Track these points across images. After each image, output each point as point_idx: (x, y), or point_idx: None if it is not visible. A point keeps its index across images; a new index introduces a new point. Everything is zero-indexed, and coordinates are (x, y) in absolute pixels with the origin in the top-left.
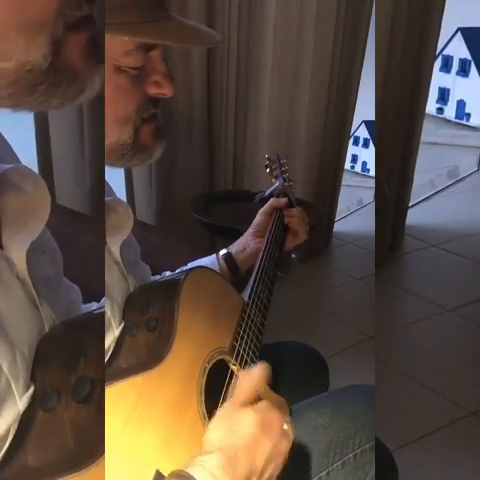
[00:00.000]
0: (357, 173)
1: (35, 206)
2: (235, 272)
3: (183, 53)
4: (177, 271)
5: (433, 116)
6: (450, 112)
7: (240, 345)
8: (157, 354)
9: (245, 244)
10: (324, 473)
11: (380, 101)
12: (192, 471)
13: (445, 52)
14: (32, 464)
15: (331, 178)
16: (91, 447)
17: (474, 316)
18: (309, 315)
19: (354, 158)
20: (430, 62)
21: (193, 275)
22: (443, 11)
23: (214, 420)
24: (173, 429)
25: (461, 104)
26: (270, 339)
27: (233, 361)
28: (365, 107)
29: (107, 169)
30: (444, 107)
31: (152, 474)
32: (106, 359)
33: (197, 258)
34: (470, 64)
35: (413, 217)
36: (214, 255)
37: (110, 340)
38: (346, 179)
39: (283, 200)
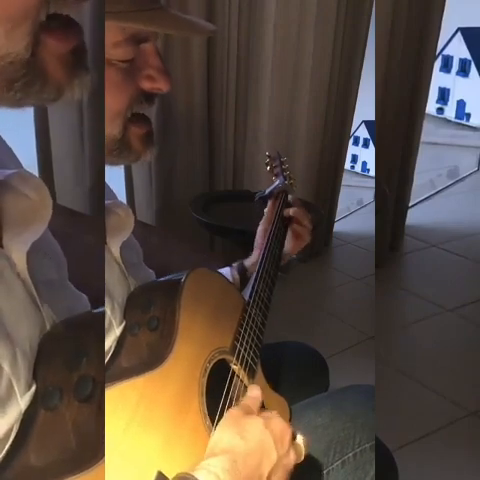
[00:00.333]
0: (357, 173)
1: (36, 210)
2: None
3: (183, 53)
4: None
5: (433, 116)
6: (450, 112)
7: (241, 345)
8: (158, 354)
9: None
10: (324, 472)
11: (380, 101)
12: (197, 474)
13: (445, 52)
14: (34, 464)
15: (331, 178)
16: (94, 447)
17: (474, 316)
18: (309, 315)
19: (354, 158)
20: (430, 62)
21: (194, 275)
22: (443, 11)
23: (221, 424)
24: (175, 430)
25: (461, 104)
26: (270, 339)
27: (234, 361)
28: (365, 107)
29: (107, 170)
30: (444, 107)
31: (154, 475)
32: (108, 358)
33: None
34: (470, 64)
35: (413, 217)
36: (228, 267)
37: (111, 339)
38: (346, 179)
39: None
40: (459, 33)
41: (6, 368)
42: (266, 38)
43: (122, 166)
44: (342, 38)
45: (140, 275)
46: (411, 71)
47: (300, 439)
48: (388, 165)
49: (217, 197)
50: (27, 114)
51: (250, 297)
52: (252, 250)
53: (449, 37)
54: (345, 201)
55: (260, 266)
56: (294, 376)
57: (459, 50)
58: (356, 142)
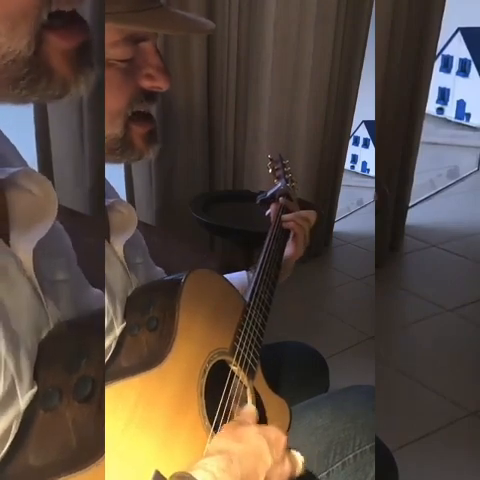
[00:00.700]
0: (357, 173)
1: (42, 207)
2: None
3: (183, 52)
4: None
5: (433, 116)
6: (450, 112)
7: (241, 346)
8: (157, 354)
9: None
10: (324, 474)
11: (380, 101)
12: (194, 473)
13: (445, 52)
14: (33, 463)
15: (331, 178)
16: (92, 447)
17: (474, 316)
18: (309, 315)
19: (354, 158)
20: (430, 62)
21: (194, 275)
22: (443, 11)
23: (217, 434)
24: (173, 430)
25: (461, 104)
26: (270, 339)
27: (234, 362)
28: (365, 107)
29: (107, 169)
30: (444, 107)
31: (151, 474)
32: (107, 358)
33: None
34: (470, 64)
35: (413, 217)
36: (244, 271)
37: (111, 339)
38: (346, 179)
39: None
40: (459, 33)
41: (11, 367)
42: (266, 38)
43: (122, 166)
44: (342, 38)
45: (145, 274)
46: (411, 71)
47: (296, 452)
48: (388, 165)
49: (217, 197)
50: (27, 114)
51: (250, 299)
52: (252, 250)
53: (449, 37)
54: (345, 201)
55: (260, 268)
56: (294, 376)
57: (459, 50)
58: (356, 142)
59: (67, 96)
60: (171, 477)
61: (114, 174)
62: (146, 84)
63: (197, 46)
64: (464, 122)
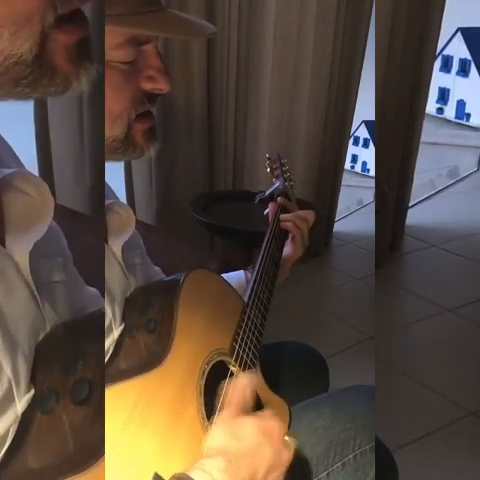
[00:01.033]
0: (357, 173)
1: (38, 209)
2: None
3: (183, 53)
4: None
5: (433, 116)
6: (450, 112)
7: (240, 346)
8: (156, 355)
9: None
10: (324, 474)
11: (380, 101)
12: (192, 474)
13: (445, 52)
14: (31, 466)
15: (331, 178)
16: (90, 449)
17: (474, 316)
18: (309, 315)
19: (354, 158)
20: (430, 62)
21: (192, 276)
22: (443, 11)
23: (215, 426)
24: (172, 431)
25: (461, 104)
26: (270, 339)
27: (233, 362)
28: (365, 107)
29: (107, 169)
30: (444, 107)
31: (151, 476)
32: (106, 360)
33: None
34: (470, 64)
35: (413, 217)
36: (242, 271)
37: (110, 341)
38: (346, 179)
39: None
40: (459, 33)
41: (8, 371)
42: (266, 38)
43: (122, 167)
44: (342, 38)
45: (144, 275)
46: (411, 71)
47: (289, 438)
48: (388, 165)
49: (217, 197)
50: (27, 114)
51: (249, 299)
52: (252, 250)
53: (449, 37)
54: (345, 201)
55: (259, 268)
56: (294, 376)
57: (459, 50)
58: (356, 142)
59: (69, 91)
60: (170, 479)
61: (114, 174)
62: (147, 86)
63: (197, 46)
64: (464, 122)
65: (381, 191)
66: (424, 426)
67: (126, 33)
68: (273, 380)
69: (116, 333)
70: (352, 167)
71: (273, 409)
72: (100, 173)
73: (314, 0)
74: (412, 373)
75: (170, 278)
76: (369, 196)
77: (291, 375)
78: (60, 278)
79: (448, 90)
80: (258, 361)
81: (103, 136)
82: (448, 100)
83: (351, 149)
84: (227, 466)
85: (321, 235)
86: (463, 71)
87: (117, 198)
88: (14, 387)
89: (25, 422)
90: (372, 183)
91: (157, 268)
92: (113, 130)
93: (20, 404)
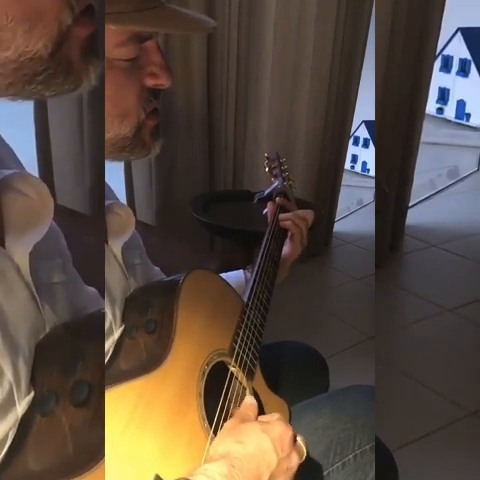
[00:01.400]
0: (357, 173)
1: (37, 211)
2: None
3: (183, 52)
4: None
5: (433, 116)
6: (450, 112)
7: (240, 347)
8: (156, 356)
9: None
10: (324, 474)
11: (380, 101)
12: (195, 479)
13: (445, 52)
14: (31, 469)
15: (331, 178)
16: (90, 451)
17: (474, 316)
18: (309, 315)
19: (354, 158)
20: (430, 62)
21: (192, 276)
22: (443, 11)
23: (219, 434)
24: (173, 431)
25: (461, 104)
26: (270, 339)
27: (233, 363)
28: (365, 107)
29: (107, 169)
30: (444, 107)
31: (152, 478)
32: (106, 361)
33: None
34: (470, 64)
35: (413, 217)
36: (241, 270)
37: (110, 342)
38: (346, 179)
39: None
40: (459, 33)
41: (8, 373)
42: (266, 37)
43: (122, 167)
44: (342, 38)
45: (143, 275)
46: (411, 71)
47: (300, 439)
48: (388, 165)
49: (217, 197)
50: (27, 114)
51: (249, 299)
52: (252, 250)
53: (449, 37)
54: (345, 201)
55: (258, 268)
56: (294, 376)
57: (459, 50)
58: (356, 142)
59: (80, 88)
60: None
61: (114, 174)
62: (150, 82)
63: (197, 46)
64: (464, 122)
65: (381, 191)
66: (424, 426)
67: (128, 30)
68: (273, 380)
69: (116, 334)
70: (352, 167)
71: (274, 411)
72: (100, 173)
73: (314, 0)
74: (412, 373)
75: (170, 278)
76: (369, 196)
77: (291, 375)
78: (60, 279)
79: (448, 90)
80: (258, 361)
81: (103, 136)
82: (448, 100)
83: (351, 149)
84: (230, 471)
85: (321, 235)
86: (463, 71)
87: (117, 199)
88: (14, 390)
89: (25, 424)
90: (372, 183)
91: (157, 268)
92: (122, 129)
93: (20, 407)
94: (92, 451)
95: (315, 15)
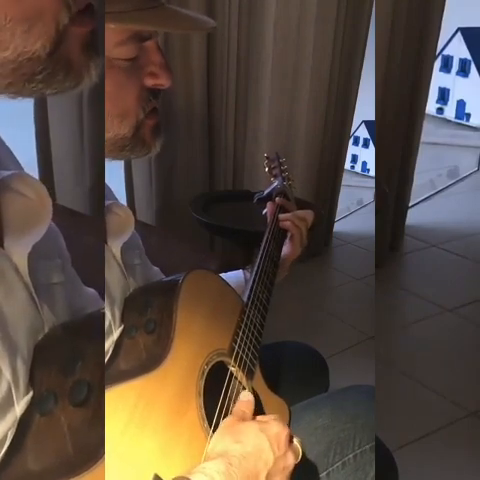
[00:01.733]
0: (357, 173)
1: (36, 211)
2: None
3: (183, 52)
4: None
5: (433, 116)
6: (450, 112)
7: (239, 347)
8: (156, 356)
9: None
10: (324, 474)
11: (380, 101)
12: (193, 477)
13: (445, 52)
14: (31, 468)
15: (331, 178)
16: (89, 451)
17: (474, 316)
18: (309, 315)
19: (354, 158)
20: (430, 62)
21: (192, 276)
22: (443, 11)
23: (216, 433)
24: (172, 431)
25: (461, 104)
26: (270, 339)
27: (232, 363)
28: (365, 107)
29: (107, 170)
30: (444, 107)
31: (151, 477)
32: (105, 361)
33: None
34: (470, 64)
35: (413, 217)
36: (240, 270)
37: (109, 342)
38: (346, 179)
39: (309, 212)
40: (459, 33)
41: (7, 373)
42: (266, 38)
43: (122, 166)
44: (342, 38)
45: (143, 275)
46: (411, 71)
47: (296, 440)
48: (388, 165)
49: (217, 197)
50: (27, 114)
51: (248, 299)
52: (252, 250)
53: (449, 37)
54: (345, 201)
55: (258, 268)
56: (294, 376)
57: (459, 50)
58: (356, 142)
59: (81, 85)
60: None
61: (114, 174)
62: (149, 82)
63: (197, 45)
64: (464, 122)
65: (381, 191)
66: (424, 426)
67: (129, 30)
68: (273, 380)
69: (115, 334)
70: (352, 167)
71: (273, 411)
72: (100, 173)
73: (314, 0)
74: (412, 373)
75: (169, 278)
76: (369, 196)
77: (291, 375)
78: (59, 279)
79: (448, 90)
80: (258, 361)
81: (103, 136)
82: (448, 100)
83: (351, 149)
84: (227, 469)
85: (321, 235)
86: (463, 71)
87: (116, 199)
88: (13, 390)
89: (24, 424)
90: (372, 183)
91: (156, 269)
92: (121, 128)
93: (19, 406)
94: (91, 451)
95: (315, 15)
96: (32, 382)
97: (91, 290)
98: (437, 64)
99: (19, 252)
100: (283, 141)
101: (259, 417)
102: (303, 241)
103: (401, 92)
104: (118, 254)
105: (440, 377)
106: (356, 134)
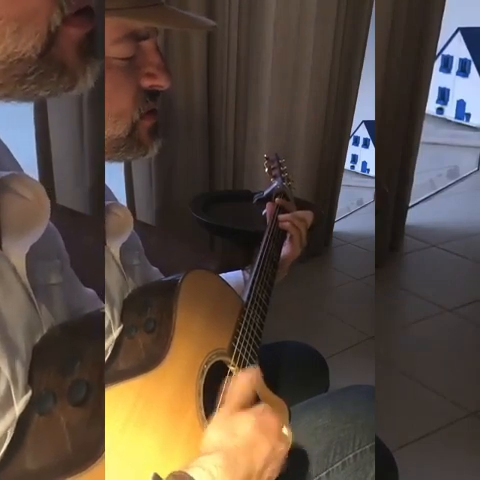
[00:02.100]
0: (357, 173)
1: (34, 212)
2: None
3: (183, 52)
4: None
5: (433, 116)
6: (450, 112)
7: (239, 346)
8: (155, 356)
9: None
10: (324, 474)
11: (380, 101)
12: (191, 472)
13: (445, 52)
14: (30, 468)
15: (331, 178)
16: (88, 450)
17: (474, 316)
18: (309, 315)
19: (354, 158)
20: (430, 62)
21: (191, 276)
22: (443, 11)
23: (212, 423)
24: (172, 430)
25: (461, 104)
26: (270, 339)
27: (232, 362)
28: (365, 107)
29: (107, 170)
30: (444, 107)
31: (150, 477)
32: (105, 360)
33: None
34: (470, 64)
35: (413, 217)
36: (240, 271)
37: (109, 342)
38: (346, 179)
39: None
40: (459, 33)
41: (6, 373)
42: (266, 37)
43: (122, 167)
44: (342, 38)
45: (142, 275)
46: (411, 71)
47: (285, 429)
48: (388, 165)
49: (217, 197)
50: (27, 115)
51: (248, 299)
52: (252, 250)
53: (449, 37)
54: (345, 201)
55: (258, 268)
56: (294, 376)
57: (459, 50)
58: (356, 142)
59: (76, 88)
60: (168, 476)
61: (114, 174)
62: (147, 83)
63: (197, 45)
64: (464, 122)
65: (381, 191)
66: (424, 426)
67: (125, 28)
68: (273, 380)
69: (115, 334)
70: (352, 167)
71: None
72: (100, 174)
73: (314, 0)
74: (412, 373)
75: (169, 278)
76: (369, 196)
77: (291, 375)
78: (57, 280)
79: (448, 90)
80: (257, 361)
81: (103, 136)
82: (448, 100)
83: (351, 149)
84: (224, 462)
85: (321, 235)
86: (463, 71)
87: (115, 199)
88: (12, 389)
89: (23, 423)
90: (372, 183)
91: (155, 269)
92: (115, 129)
93: (18, 406)
94: (90, 450)
95: (315, 15)
96: (31, 382)
97: (90, 290)
98: (437, 64)
99: (17, 253)
100: (283, 141)
101: (253, 408)
102: (303, 242)
103: (401, 92)
104: (117, 254)
105: (440, 377)
106: (356, 134)
